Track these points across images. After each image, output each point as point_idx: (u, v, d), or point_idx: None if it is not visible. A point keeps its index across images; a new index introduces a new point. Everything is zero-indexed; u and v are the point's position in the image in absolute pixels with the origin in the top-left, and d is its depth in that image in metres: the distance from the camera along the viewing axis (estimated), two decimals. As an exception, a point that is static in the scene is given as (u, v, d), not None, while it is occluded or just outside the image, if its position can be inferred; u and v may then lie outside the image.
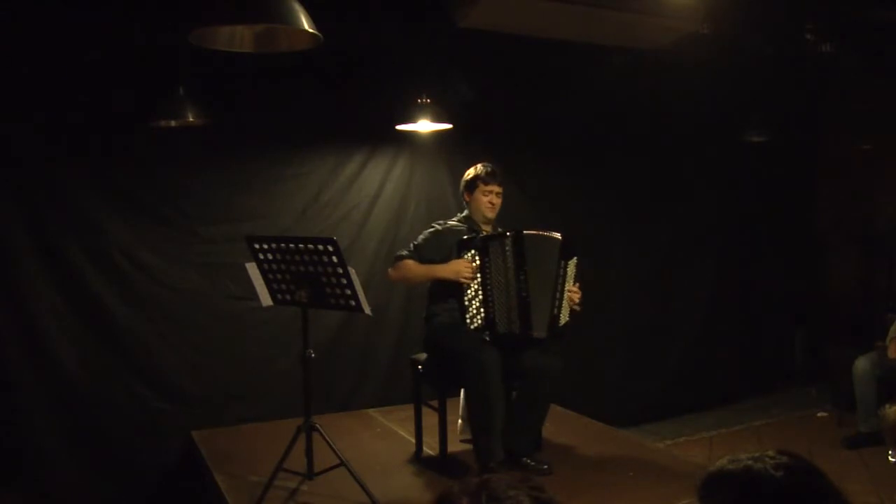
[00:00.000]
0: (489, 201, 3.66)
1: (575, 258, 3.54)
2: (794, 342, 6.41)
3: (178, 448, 4.14)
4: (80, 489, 3.89)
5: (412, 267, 3.58)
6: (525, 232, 3.49)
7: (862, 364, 4.71)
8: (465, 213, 3.76)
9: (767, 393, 5.98)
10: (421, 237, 3.68)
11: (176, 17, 2.71)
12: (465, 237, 3.54)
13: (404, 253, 3.64)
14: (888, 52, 5.02)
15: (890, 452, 4.27)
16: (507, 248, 3.45)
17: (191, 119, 3.77)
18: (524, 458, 3.45)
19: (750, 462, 1.15)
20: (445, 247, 3.57)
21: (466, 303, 3.44)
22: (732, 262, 5.97)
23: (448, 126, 4.30)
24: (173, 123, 3.82)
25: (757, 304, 6.16)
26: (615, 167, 5.34)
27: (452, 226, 3.71)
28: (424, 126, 4.33)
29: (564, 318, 3.52)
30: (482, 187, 3.65)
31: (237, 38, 2.61)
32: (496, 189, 3.66)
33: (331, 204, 4.58)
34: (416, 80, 4.17)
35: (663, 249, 5.60)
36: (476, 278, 3.45)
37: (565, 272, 3.51)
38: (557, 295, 3.48)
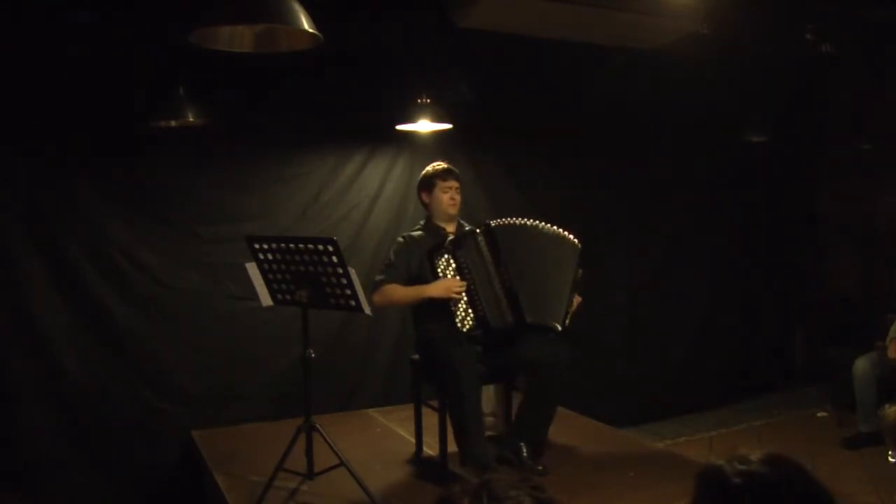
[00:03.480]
0: (450, 198, 3.61)
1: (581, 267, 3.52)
2: (794, 342, 6.41)
3: (178, 448, 4.14)
4: (80, 489, 3.89)
5: (398, 290, 3.49)
6: (539, 225, 3.46)
7: (862, 364, 4.71)
8: (424, 220, 3.70)
9: (767, 393, 5.98)
10: (392, 254, 3.61)
11: (176, 17, 2.71)
12: (434, 244, 3.44)
13: (382, 277, 3.53)
14: (888, 52, 5.02)
15: (890, 452, 4.27)
16: (479, 243, 3.40)
17: (191, 119, 3.77)
18: (524, 457, 3.43)
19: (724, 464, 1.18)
20: (416, 257, 3.51)
21: (452, 307, 3.38)
22: (732, 261, 5.97)
23: (448, 126, 4.30)
24: (173, 123, 3.83)
25: (757, 305, 6.16)
26: (615, 167, 5.34)
27: (416, 236, 3.63)
28: (424, 126, 4.33)
29: (568, 320, 3.47)
30: (441, 184, 3.62)
31: (237, 38, 2.62)
32: (454, 185, 3.63)
33: (331, 204, 4.58)
34: (416, 80, 4.17)
35: (663, 249, 5.60)
36: (461, 283, 3.37)
37: (577, 277, 3.48)
38: (567, 294, 3.45)
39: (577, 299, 3.52)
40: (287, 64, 3.59)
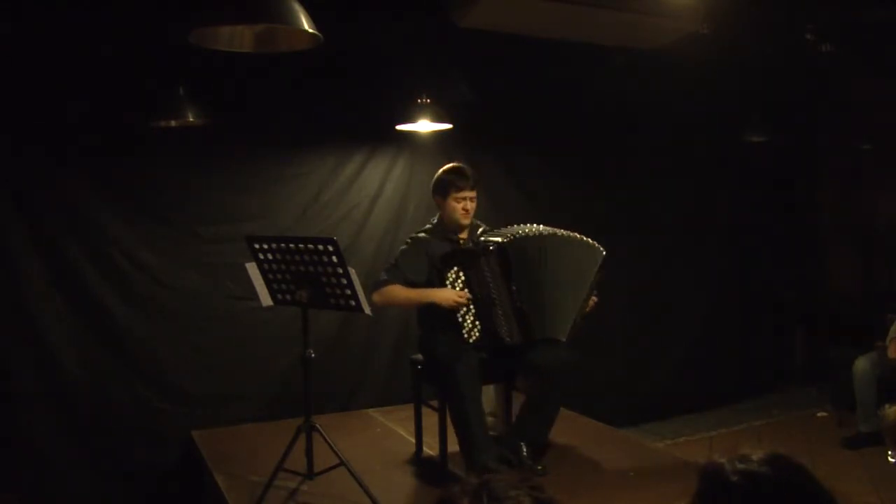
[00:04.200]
0: (463, 208, 3.45)
1: (603, 270, 3.49)
2: (794, 342, 6.41)
3: (178, 448, 4.14)
4: (80, 489, 3.89)
5: (399, 291, 3.42)
6: (563, 234, 3.40)
7: (862, 364, 4.71)
8: (436, 219, 3.59)
9: (767, 393, 5.98)
10: (399, 254, 3.54)
11: (176, 17, 2.71)
12: (444, 255, 3.37)
13: (387, 277, 3.45)
14: (888, 52, 5.02)
15: (890, 452, 4.28)
16: (491, 263, 3.28)
17: (191, 119, 3.77)
18: (524, 457, 3.42)
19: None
20: (424, 261, 3.45)
21: (460, 319, 3.34)
22: (733, 261, 5.97)
23: (448, 126, 4.30)
24: (173, 123, 3.83)
25: (757, 304, 6.16)
26: (615, 167, 5.34)
27: (425, 238, 3.52)
28: (424, 126, 4.33)
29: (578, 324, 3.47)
30: (454, 194, 3.44)
31: (237, 38, 2.62)
32: (469, 195, 3.45)
33: (331, 204, 4.58)
34: (416, 80, 4.17)
35: (663, 249, 5.59)
36: (466, 296, 3.32)
37: (595, 283, 3.47)
38: (581, 303, 3.44)
39: (592, 301, 3.51)
40: (287, 64, 3.59)
